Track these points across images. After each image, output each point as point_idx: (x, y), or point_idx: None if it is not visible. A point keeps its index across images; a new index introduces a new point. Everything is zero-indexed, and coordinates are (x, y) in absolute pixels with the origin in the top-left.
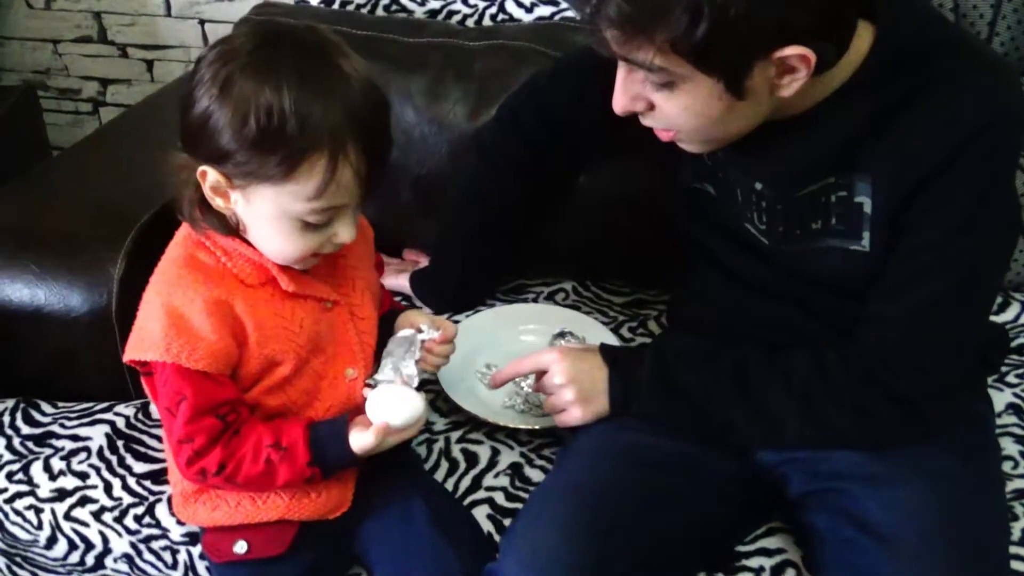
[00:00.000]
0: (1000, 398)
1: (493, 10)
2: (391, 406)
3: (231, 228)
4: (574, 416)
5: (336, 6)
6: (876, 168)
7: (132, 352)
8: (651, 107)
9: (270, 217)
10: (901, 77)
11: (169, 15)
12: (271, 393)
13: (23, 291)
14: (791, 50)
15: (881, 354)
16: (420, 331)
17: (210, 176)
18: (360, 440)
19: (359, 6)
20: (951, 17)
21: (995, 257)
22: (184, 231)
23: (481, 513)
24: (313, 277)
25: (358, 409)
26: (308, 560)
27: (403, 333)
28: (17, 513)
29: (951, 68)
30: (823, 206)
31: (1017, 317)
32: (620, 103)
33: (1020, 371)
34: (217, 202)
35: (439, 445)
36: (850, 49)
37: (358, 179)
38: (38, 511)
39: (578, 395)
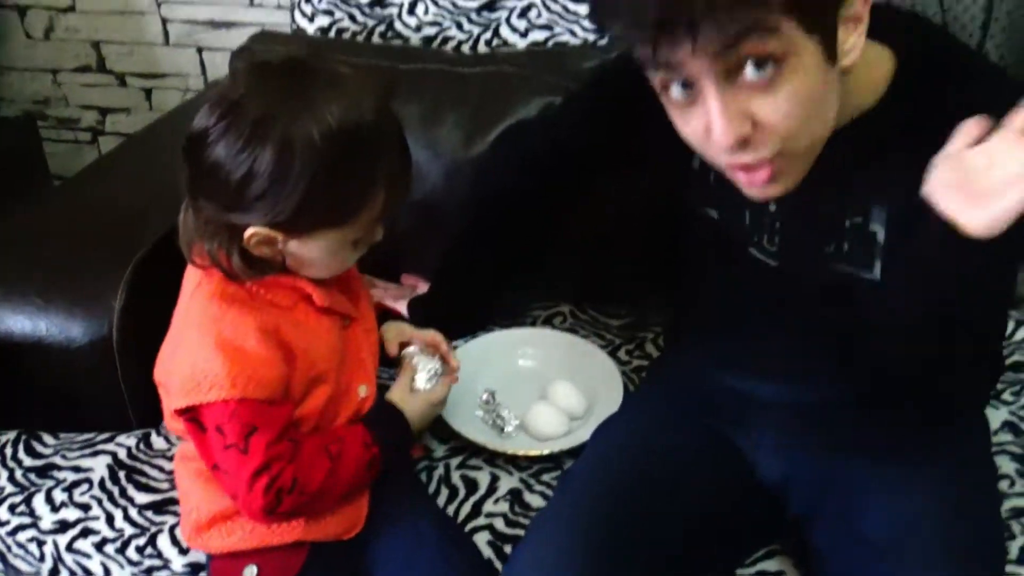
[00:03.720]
0: (996, 416)
1: (488, 35)
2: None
3: (275, 267)
4: None
5: (332, 34)
6: (893, 198)
7: (189, 398)
8: (754, 125)
9: (326, 249)
10: (922, 107)
11: (167, 44)
12: (313, 416)
13: (25, 323)
14: None
15: None
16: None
17: (260, 234)
18: (412, 397)
19: (355, 34)
20: (939, 19)
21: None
22: (197, 274)
23: (481, 539)
24: (337, 291)
25: None
26: None
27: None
28: (20, 546)
29: (975, 98)
30: (838, 230)
31: (1011, 334)
32: (729, 131)
33: (1015, 389)
34: (263, 250)
35: (439, 472)
36: (871, 73)
37: (404, 185)
38: (40, 543)
39: None
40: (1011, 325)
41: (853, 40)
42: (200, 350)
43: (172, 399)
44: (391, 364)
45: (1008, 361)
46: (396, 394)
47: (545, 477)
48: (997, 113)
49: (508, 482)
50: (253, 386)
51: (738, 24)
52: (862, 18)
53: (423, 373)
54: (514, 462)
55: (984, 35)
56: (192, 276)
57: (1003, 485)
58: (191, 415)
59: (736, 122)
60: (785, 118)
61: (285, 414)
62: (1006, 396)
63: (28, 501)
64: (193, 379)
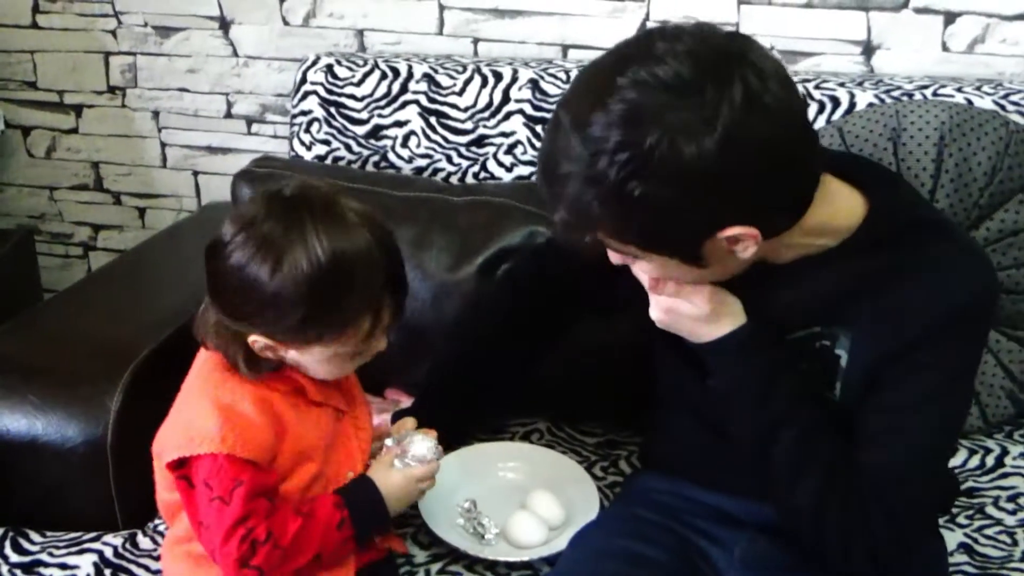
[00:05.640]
0: (951, 538)
1: (476, 168)
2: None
3: (279, 365)
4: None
5: (328, 162)
6: (859, 328)
7: (182, 449)
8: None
9: (323, 359)
10: (890, 250)
11: (165, 166)
12: (297, 492)
13: (21, 422)
14: (731, 231)
15: (862, 503)
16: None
17: (261, 342)
18: (390, 472)
19: (350, 162)
20: (893, 168)
21: (960, 420)
22: (206, 351)
23: None
24: (332, 387)
25: None
26: None
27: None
28: None
29: (939, 250)
30: (806, 352)
31: (964, 462)
32: (614, 260)
33: (969, 513)
34: (266, 354)
35: None
36: (843, 215)
37: (393, 310)
38: None
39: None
40: (964, 454)
41: (740, 248)
42: (198, 409)
43: (166, 454)
44: None
45: (963, 487)
46: (373, 469)
47: None
48: (943, 271)
49: None
50: (241, 445)
51: (583, 235)
52: (750, 236)
53: (416, 448)
54: (493, 568)
55: (935, 184)
56: (201, 354)
57: None
58: (182, 472)
59: (617, 258)
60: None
61: (270, 480)
62: (960, 519)
63: None
64: (187, 434)
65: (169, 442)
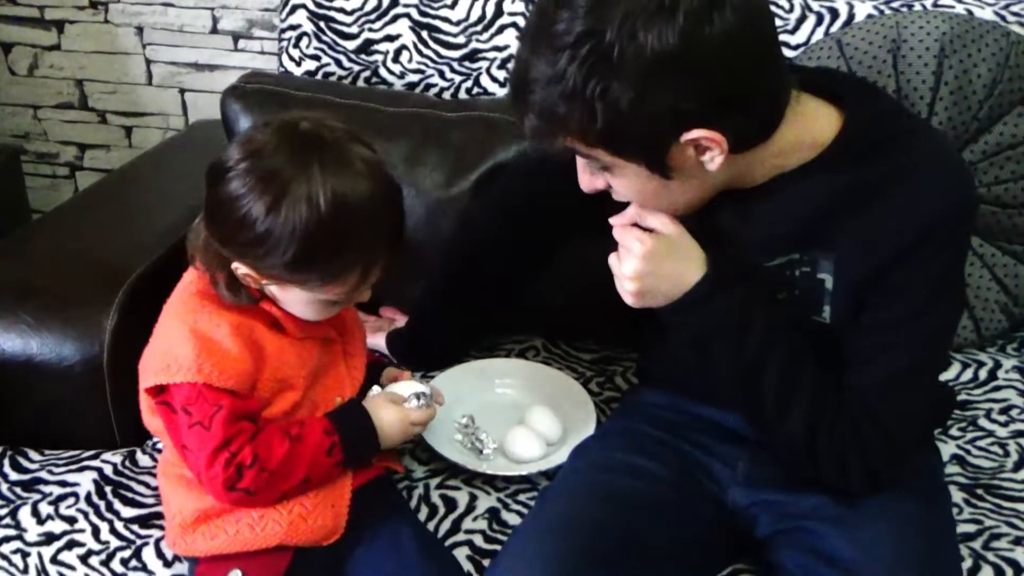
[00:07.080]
0: (945, 450)
1: (468, 84)
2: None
3: (260, 297)
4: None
5: (318, 77)
6: (839, 247)
7: (159, 377)
8: (609, 185)
9: (301, 300)
10: (866, 163)
11: (150, 84)
12: (280, 418)
13: (16, 341)
14: (696, 133)
15: (854, 422)
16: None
17: (243, 270)
18: (386, 406)
19: (340, 78)
20: (893, 82)
21: (949, 332)
22: (194, 272)
23: (461, 555)
24: (314, 322)
25: None
26: None
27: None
28: (3, 557)
29: (915, 160)
30: (787, 279)
31: (958, 376)
32: (584, 184)
33: (962, 425)
34: (248, 281)
35: (419, 491)
36: (816, 130)
37: (383, 270)
38: (24, 555)
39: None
40: (958, 367)
41: (708, 157)
42: (175, 336)
43: (145, 379)
44: None
45: (957, 399)
46: (368, 400)
47: (521, 497)
48: (920, 182)
49: (486, 501)
50: (217, 375)
51: (554, 143)
52: (716, 142)
53: (408, 389)
54: (491, 483)
55: (934, 97)
56: (187, 276)
57: (952, 512)
58: (162, 398)
59: (587, 181)
60: (627, 196)
61: (250, 406)
62: (954, 432)
63: (14, 514)
64: (164, 361)
65: (148, 367)
